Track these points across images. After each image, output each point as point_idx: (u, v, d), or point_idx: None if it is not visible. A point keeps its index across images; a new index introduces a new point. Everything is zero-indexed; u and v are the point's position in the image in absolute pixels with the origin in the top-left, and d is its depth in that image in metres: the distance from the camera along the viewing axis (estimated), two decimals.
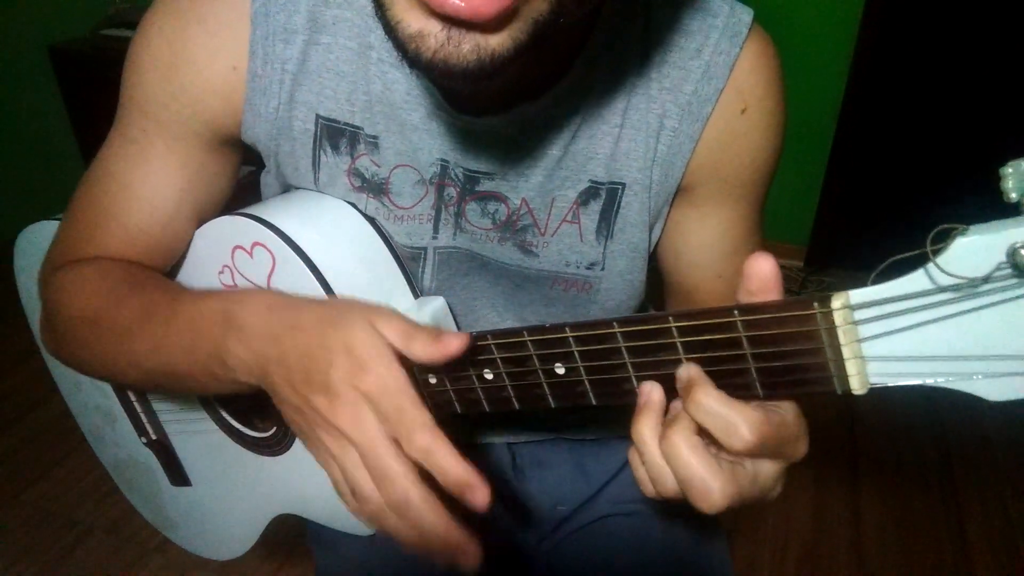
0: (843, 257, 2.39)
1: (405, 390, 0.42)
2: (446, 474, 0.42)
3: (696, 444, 0.39)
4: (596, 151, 0.57)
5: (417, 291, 0.60)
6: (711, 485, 0.38)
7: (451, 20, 0.37)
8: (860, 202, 2.29)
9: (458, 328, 0.62)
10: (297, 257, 0.55)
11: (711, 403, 0.38)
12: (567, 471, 0.79)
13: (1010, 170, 0.30)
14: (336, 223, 0.58)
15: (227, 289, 0.51)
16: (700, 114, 0.56)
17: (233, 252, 0.59)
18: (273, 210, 0.58)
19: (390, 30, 0.39)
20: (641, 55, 0.55)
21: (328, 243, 0.57)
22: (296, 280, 0.56)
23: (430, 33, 0.37)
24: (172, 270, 0.65)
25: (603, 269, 0.61)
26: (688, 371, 0.39)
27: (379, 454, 0.42)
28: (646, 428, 0.41)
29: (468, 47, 0.38)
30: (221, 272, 0.60)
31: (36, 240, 0.74)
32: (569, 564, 0.77)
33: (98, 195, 0.60)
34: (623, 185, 0.58)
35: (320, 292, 0.55)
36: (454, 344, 0.43)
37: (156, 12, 0.56)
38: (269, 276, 0.57)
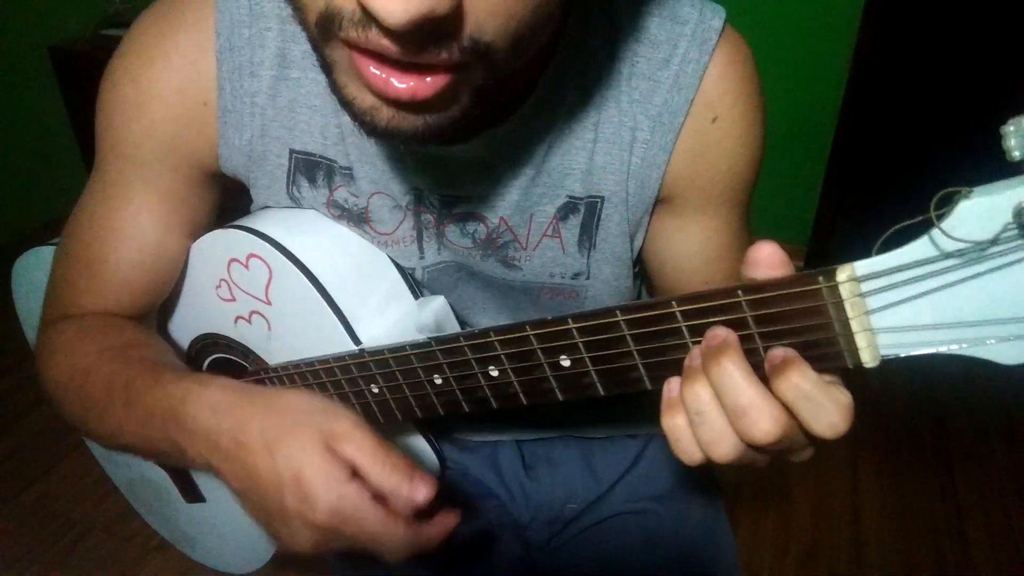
0: (843, 257, 2.34)
1: (362, 510, 0.43)
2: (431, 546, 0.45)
3: (749, 371, 0.37)
4: (571, 167, 0.56)
5: (416, 292, 0.61)
6: (765, 410, 0.36)
7: (394, 103, 0.38)
8: (860, 202, 2.29)
9: (461, 327, 0.62)
10: (294, 267, 0.55)
11: (808, 387, 0.35)
12: (577, 469, 0.79)
13: (1011, 128, 0.29)
14: (330, 230, 0.58)
15: (178, 373, 0.52)
16: (672, 125, 0.55)
17: (229, 265, 0.59)
18: (266, 221, 0.58)
19: (346, 106, 0.41)
20: (608, 68, 0.54)
21: (324, 251, 0.56)
22: (294, 289, 0.55)
23: (379, 108, 0.39)
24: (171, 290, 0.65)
25: (588, 278, 0.61)
26: (784, 351, 0.36)
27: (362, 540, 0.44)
28: (704, 390, 0.38)
29: (417, 120, 0.40)
30: (218, 287, 0.60)
31: (32, 266, 0.74)
32: (579, 562, 0.77)
33: (87, 241, 0.60)
34: (602, 198, 0.58)
35: (318, 300, 0.55)
36: (423, 490, 0.43)
37: (120, 54, 0.57)
38: (267, 287, 0.57)
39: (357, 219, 0.59)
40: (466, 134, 0.53)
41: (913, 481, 1.72)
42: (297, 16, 0.39)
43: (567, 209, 0.58)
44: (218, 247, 0.60)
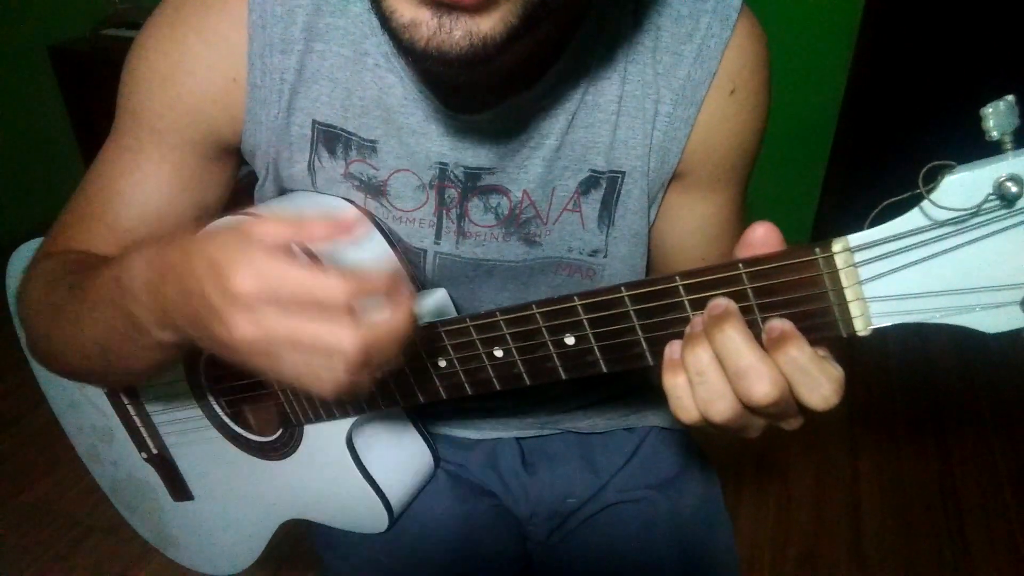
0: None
1: (287, 269, 0.38)
2: (375, 291, 0.39)
3: (750, 337, 0.39)
4: (594, 140, 0.57)
5: (419, 284, 0.61)
6: (764, 372, 0.38)
7: (441, 6, 0.37)
8: (860, 201, 2.28)
9: None
10: (305, 259, 0.54)
11: (804, 360, 0.38)
12: (575, 464, 0.79)
13: (990, 110, 0.32)
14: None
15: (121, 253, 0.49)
16: (694, 99, 0.56)
17: None
18: (274, 210, 0.59)
19: (384, 21, 0.39)
20: (632, 40, 0.55)
21: (330, 245, 0.56)
22: None
23: (422, 21, 0.38)
24: None
25: (606, 256, 0.61)
26: (782, 324, 0.38)
27: (308, 343, 0.38)
28: (705, 352, 0.40)
29: (460, 33, 0.38)
30: None
31: (26, 259, 0.74)
32: (579, 555, 0.77)
33: (89, 197, 0.61)
34: (623, 173, 0.58)
35: None
36: (348, 219, 0.40)
37: (153, 24, 0.57)
38: None
39: (374, 191, 0.59)
40: (497, 90, 0.52)
41: (913, 481, 1.72)
42: None
43: (589, 183, 0.58)
44: None
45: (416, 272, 0.61)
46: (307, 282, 0.38)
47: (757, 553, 1.54)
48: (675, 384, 0.41)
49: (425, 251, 0.61)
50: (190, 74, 0.55)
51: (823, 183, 2.29)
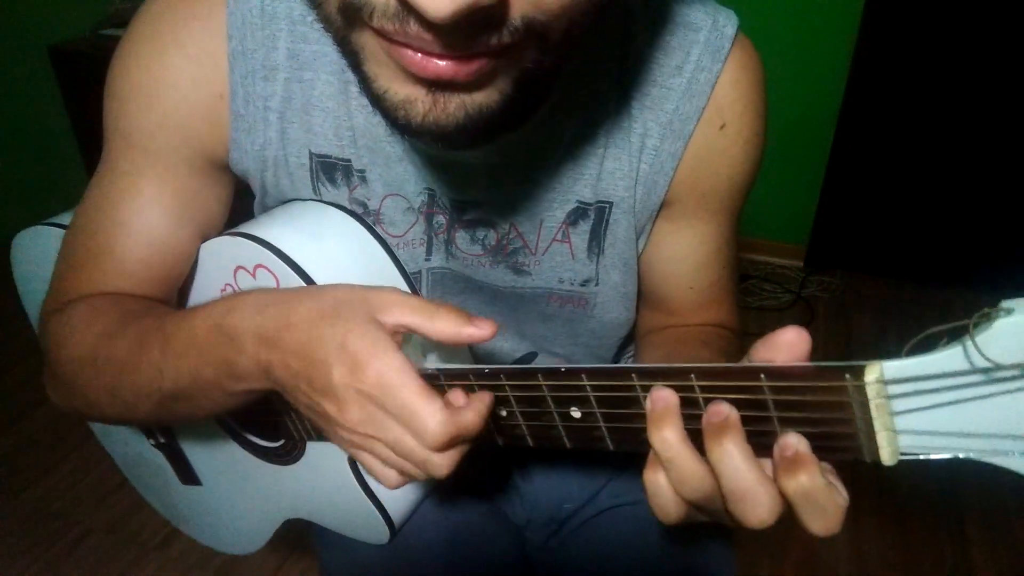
0: (843, 257, 2.39)
1: (406, 383, 0.40)
2: (468, 435, 0.42)
3: (750, 455, 0.36)
4: (581, 172, 0.56)
5: None
6: (763, 498, 0.36)
7: (435, 84, 0.36)
8: (860, 202, 2.28)
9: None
10: (302, 281, 0.54)
11: (814, 489, 0.34)
12: (572, 470, 0.79)
13: None
14: (340, 239, 0.58)
15: (213, 300, 0.50)
16: (682, 133, 0.55)
17: (236, 272, 0.58)
18: (276, 227, 0.58)
19: (377, 101, 0.38)
20: (620, 74, 0.54)
21: (332, 263, 0.56)
22: None
23: (416, 98, 0.37)
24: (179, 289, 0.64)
25: (597, 284, 0.61)
26: (798, 445, 0.35)
27: (401, 448, 0.42)
28: (672, 434, 0.37)
29: (455, 106, 0.37)
30: (223, 290, 0.60)
31: (30, 245, 0.73)
32: (576, 559, 0.77)
33: (93, 232, 0.58)
34: (610, 204, 0.57)
35: None
36: (486, 327, 0.42)
37: (131, 39, 0.55)
38: None
39: (371, 220, 0.59)
40: (501, 130, 0.52)
41: (913, 482, 1.71)
42: (312, 4, 0.37)
43: (577, 214, 0.58)
44: (225, 254, 0.59)
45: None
46: (419, 413, 0.40)
47: (757, 554, 1.54)
48: (656, 484, 0.39)
49: (419, 272, 0.60)
50: (175, 89, 0.53)
51: (823, 183, 2.29)
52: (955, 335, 0.31)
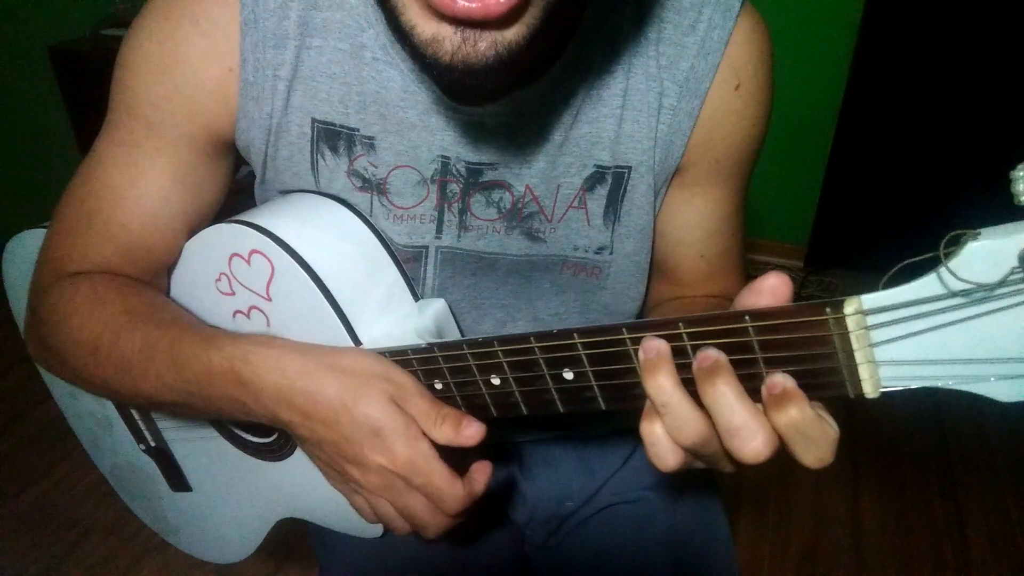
0: (843, 257, 2.39)
1: (432, 465, 0.47)
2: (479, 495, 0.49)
3: (742, 392, 0.37)
4: (599, 135, 0.57)
5: (417, 294, 0.60)
6: (758, 431, 0.37)
7: (464, 22, 0.37)
8: (860, 202, 2.29)
9: (459, 329, 0.62)
10: (297, 265, 0.54)
11: (804, 422, 0.36)
12: (573, 468, 0.79)
13: (1020, 173, 0.30)
14: (335, 228, 0.58)
15: (222, 333, 0.53)
16: (698, 91, 0.56)
17: (230, 260, 0.58)
18: (270, 216, 0.58)
19: (404, 36, 0.39)
20: (635, 32, 0.55)
21: (328, 250, 0.56)
22: (296, 288, 0.55)
23: (445, 37, 0.38)
24: (168, 279, 0.64)
25: (612, 253, 0.61)
26: (784, 381, 0.36)
27: (414, 511, 0.49)
28: (667, 380, 0.38)
29: (485, 44, 0.38)
30: (218, 280, 0.60)
31: (24, 250, 0.73)
32: (577, 556, 0.77)
33: (84, 197, 0.59)
34: (629, 168, 0.58)
35: (321, 299, 0.54)
36: (474, 432, 0.48)
37: (146, 15, 0.56)
38: (268, 284, 0.57)
39: (376, 190, 0.59)
40: (527, 76, 0.51)
41: (913, 482, 1.72)
42: None
43: (594, 179, 0.58)
44: (220, 241, 0.59)
45: (419, 272, 0.61)
46: (445, 494, 0.48)
47: (757, 553, 1.54)
48: (651, 433, 0.41)
49: (426, 247, 0.60)
50: (186, 63, 0.54)
51: (823, 183, 2.29)
52: (931, 266, 0.32)
